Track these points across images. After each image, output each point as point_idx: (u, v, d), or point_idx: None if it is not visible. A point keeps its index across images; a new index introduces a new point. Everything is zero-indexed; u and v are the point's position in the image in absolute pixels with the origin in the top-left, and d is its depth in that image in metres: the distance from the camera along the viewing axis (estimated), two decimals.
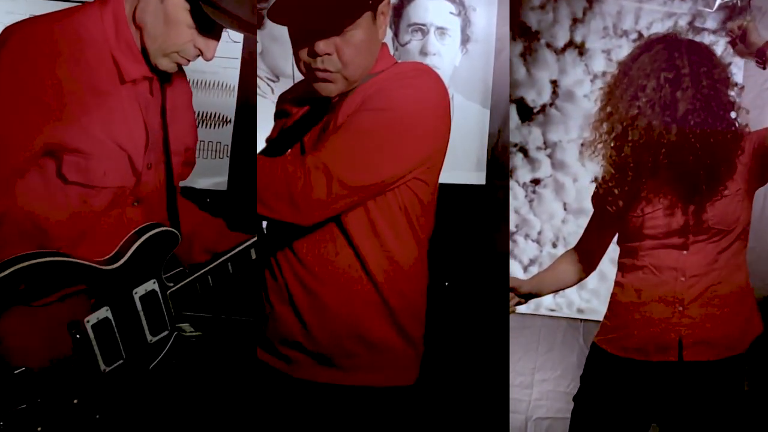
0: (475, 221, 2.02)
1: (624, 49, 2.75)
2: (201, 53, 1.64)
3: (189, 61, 1.66)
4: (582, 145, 2.78)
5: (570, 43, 2.88)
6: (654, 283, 1.85)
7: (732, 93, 1.78)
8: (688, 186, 1.79)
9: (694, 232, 1.80)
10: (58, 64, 1.55)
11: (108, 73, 1.63)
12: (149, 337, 1.75)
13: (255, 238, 1.79)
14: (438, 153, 1.66)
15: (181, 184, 1.95)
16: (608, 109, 1.84)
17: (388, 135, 1.52)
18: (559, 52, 2.89)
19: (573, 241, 2.89)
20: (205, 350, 1.92)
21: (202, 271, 1.80)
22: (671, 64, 1.76)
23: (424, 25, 2.75)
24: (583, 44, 2.87)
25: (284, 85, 2.64)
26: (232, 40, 2.67)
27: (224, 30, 1.63)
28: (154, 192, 1.79)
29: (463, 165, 2.77)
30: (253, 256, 1.84)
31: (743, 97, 1.82)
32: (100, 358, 1.67)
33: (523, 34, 2.88)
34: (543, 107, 2.93)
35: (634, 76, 1.80)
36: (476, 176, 2.82)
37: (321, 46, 1.55)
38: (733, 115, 1.77)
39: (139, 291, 1.73)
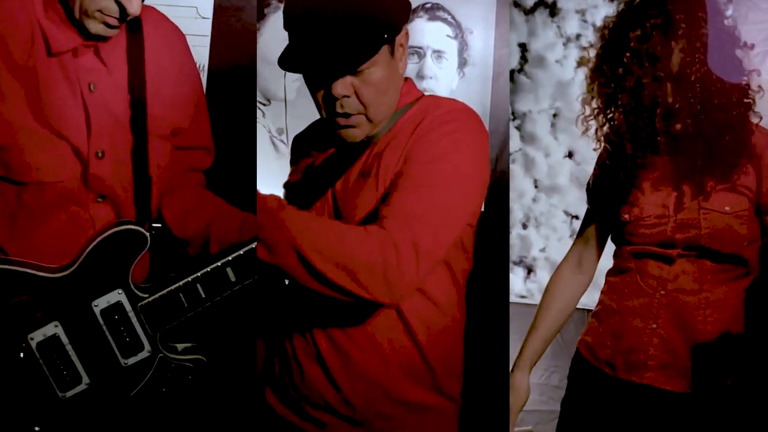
0: (475, 249, 1.93)
1: (600, 10, 2.65)
2: (124, 7, 1.50)
3: (116, 18, 1.51)
4: (555, 115, 2.64)
5: (540, 3, 2.74)
6: (634, 291, 1.66)
7: (739, 51, 1.55)
8: (687, 169, 1.57)
9: (683, 244, 1.60)
10: None
11: (33, 47, 1.51)
12: (122, 360, 1.57)
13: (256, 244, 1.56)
14: (485, 192, 1.58)
15: None
16: (596, 76, 1.63)
17: (450, 188, 1.45)
18: (528, 12, 2.76)
19: (545, 222, 2.76)
20: (207, 378, 1.69)
21: (185, 280, 1.56)
22: (661, 9, 1.55)
23: (420, 48, 2.68)
24: (554, 4, 2.73)
25: (276, 108, 2.61)
26: (201, 17, 2.48)
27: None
28: (123, 185, 1.61)
29: None
30: None
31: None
32: (53, 382, 1.54)
33: None
34: (511, 74, 2.78)
35: (619, 30, 1.59)
36: None
37: (338, 88, 1.46)
38: (744, 79, 1.55)
39: (100, 303, 1.55)
